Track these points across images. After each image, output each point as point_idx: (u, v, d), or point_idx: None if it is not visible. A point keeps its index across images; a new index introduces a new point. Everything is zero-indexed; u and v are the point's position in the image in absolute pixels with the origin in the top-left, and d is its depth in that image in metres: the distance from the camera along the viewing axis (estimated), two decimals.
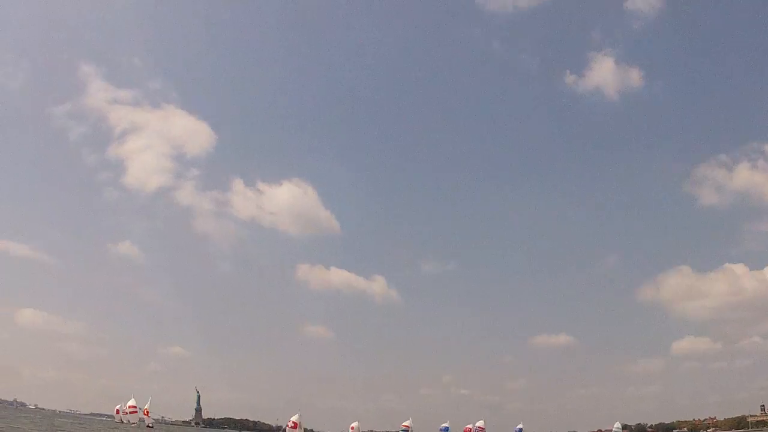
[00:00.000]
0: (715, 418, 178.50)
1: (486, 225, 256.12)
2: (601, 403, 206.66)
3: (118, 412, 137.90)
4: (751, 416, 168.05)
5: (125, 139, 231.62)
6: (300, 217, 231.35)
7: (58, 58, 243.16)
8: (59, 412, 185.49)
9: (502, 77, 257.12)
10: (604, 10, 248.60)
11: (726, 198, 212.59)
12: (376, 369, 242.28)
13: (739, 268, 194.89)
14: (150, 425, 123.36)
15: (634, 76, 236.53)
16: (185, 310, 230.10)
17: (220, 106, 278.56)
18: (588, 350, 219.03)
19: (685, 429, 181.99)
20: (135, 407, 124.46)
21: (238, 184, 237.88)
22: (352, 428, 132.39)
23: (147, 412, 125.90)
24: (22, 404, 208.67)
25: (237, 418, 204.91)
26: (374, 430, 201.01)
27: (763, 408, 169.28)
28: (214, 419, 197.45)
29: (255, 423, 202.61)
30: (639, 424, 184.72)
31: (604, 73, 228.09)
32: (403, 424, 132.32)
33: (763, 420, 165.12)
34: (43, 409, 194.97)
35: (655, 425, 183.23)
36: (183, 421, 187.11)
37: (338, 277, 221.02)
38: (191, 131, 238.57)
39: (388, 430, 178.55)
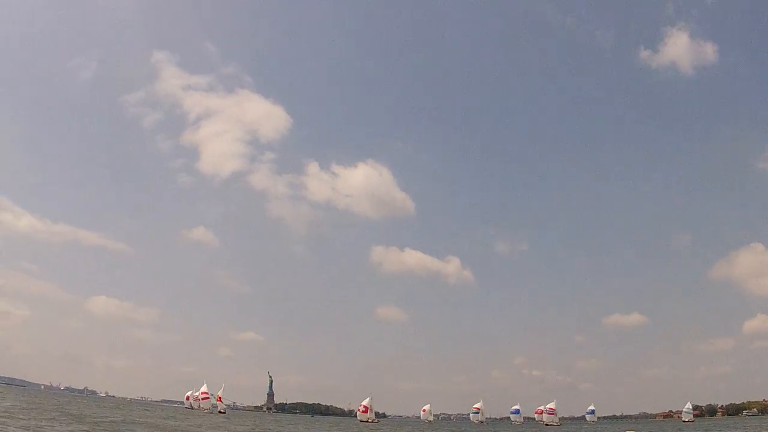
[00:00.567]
0: None
1: (558, 205, 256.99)
2: (672, 384, 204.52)
3: (188, 398, 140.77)
4: None
5: (199, 125, 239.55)
6: (375, 198, 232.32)
7: (130, 46, 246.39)
8: (130, 399, 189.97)
9: (577, 54, 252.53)
10: None
11: None
12: (449, 351, 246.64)
13: None
14: (222, 411, 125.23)
15: (709, 51, 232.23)
16: (259, 295, 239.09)
17: (294, 90, 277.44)
18: (660, 330, 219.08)
19: (755, 409, 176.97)
20: (207, 393, 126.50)
21: (313, 167, 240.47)
22: (424, 410, 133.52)
23: (220, 398, 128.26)
24: (93, 392, 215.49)
25: (309, 402, 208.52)
26: (446, 412, 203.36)
27: None
28: (286, 404, 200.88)
29: (327, 407, 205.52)
30: (710, 404, 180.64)
31: (679, 48, 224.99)
32: (474, 406, 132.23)
33: None
34: (114, 396, 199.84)
35: (726, 406, 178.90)
36: (255, 407, 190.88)
37: (412, 258, 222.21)
38: (266, 115, 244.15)
39: (459, 412, 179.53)
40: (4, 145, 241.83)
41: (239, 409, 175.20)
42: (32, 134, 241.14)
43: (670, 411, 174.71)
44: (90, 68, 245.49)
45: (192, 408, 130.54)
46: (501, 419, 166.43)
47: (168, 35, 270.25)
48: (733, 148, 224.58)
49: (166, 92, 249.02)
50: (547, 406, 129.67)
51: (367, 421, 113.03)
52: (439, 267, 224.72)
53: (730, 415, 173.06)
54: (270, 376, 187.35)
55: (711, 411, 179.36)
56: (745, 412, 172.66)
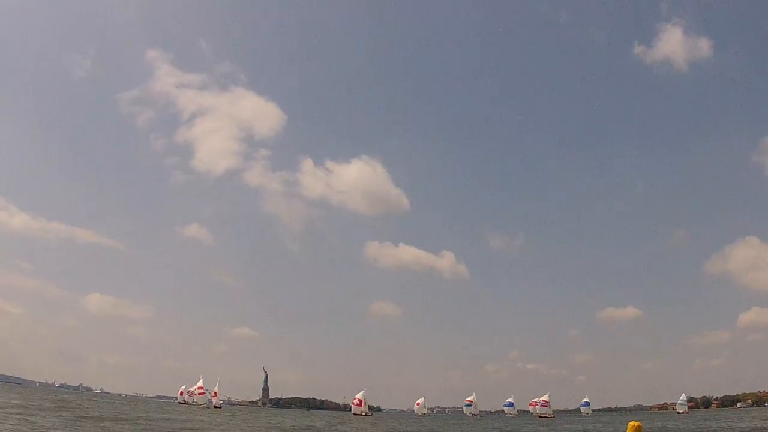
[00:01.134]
0: None
1: (553, 199, 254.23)
2: (666, 377, 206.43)
3: (181, 393, 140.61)
4: None
5: (193, 122, 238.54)
6: (369, 194, 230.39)
7: (124, 45, 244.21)
8: (125, 396, 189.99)
9: (570, 49, 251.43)
10: None
11: None
12: (443, 345, 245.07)
13: None
14: (218, 406, 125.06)
15: (704, 46, 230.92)
16: (253, 291, 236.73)
17: (288, 87, 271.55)
18: (654, 323, 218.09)
19: (750, 401, 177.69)
20: (203, 389, 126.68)
21: (307, 164, 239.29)
22: (418, 404, 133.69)
23: (216, 393, 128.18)
24: (88, 389, 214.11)
25: (304, 397, 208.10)
26: (441, 405, 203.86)
27: None
28: (281, 399, 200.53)
29: (322, 402, 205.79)
30: (704, 396, 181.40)
31: (673, 44, 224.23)
32: (467, 399, 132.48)
33: None
34: (109, 393, 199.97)
35: (721, 397, 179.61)
36: (250, 401, 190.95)
37: (407, 253, 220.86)
38: (260, 113, 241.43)
39: (454, 405, 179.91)
40: None
41: (234, 404, 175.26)
42: (27, 133, 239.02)
43: (665, 403, 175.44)
44: (84, 67, 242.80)
45: (186, 403, 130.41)
46: (496, 412, 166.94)
47: (162, 33, 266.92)
48: (728, 143, 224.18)
49: (160, 90, 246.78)
50: (541, 398, 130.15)
51: (361, 415, 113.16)
52: (434, 262, 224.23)
53: (725, 406, 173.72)
54: (265, 371, 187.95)
55: (706, 403, 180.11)
56: (739, 404, 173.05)
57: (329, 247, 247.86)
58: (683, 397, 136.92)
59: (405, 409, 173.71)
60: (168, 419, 47.83)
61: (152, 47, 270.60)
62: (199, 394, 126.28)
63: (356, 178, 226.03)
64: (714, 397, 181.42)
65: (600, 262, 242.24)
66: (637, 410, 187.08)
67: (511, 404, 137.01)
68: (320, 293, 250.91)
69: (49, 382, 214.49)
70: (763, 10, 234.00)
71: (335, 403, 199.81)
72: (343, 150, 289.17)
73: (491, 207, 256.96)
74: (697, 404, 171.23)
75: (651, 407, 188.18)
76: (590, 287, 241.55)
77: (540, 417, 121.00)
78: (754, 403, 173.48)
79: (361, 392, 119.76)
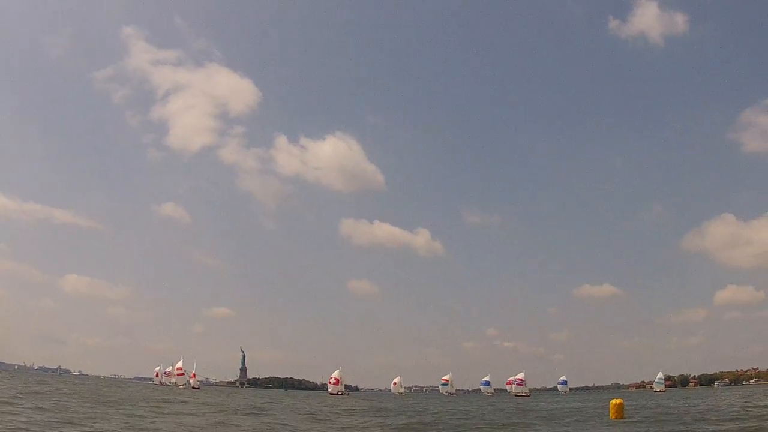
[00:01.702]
0: (757, 368, 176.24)
1: (529, 175, 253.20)
2: (643, 355, 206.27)
3: (157, 375, 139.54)
4: None
5: (168, 99, 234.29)
6: (344, 171, 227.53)
7: (99, 22, 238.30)
8: (103, 377, 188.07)
9: (545, 23, 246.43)
10: None
11: None
12: (420, 323, 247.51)
13: None
14: (196, 387, 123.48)
15: (679, 21, 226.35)
16: (230, 271, 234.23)
17: (263, 63, 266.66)
18: (631, 301, 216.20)
19: (727, 379, 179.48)
20: (182, 369, 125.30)
21: (281, 141, 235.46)
22: (395, 383, 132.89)
23: (194, 375, 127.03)
24: (66, 371, 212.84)
25: (282, 377, 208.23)
26: (418, 384, 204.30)
27: None
28: (259, 378, 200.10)
29: (300, 381, 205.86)
30: (682, 375, 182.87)
31: (648, 18, 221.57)
32: (443, 378, 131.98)
33: None
34: (87, 375, 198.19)
35: (698, 376, 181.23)
36: (228, 382, 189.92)
37: (382, 231, 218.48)
38: (235, 89, 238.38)
39: (431, 384, 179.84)
40: None
41: (212, 385, 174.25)
42: (0, 113, 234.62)
43: (643, 382, 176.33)
44: (62, 46, 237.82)
45: (162, 384, 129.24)
46: (473, 391, 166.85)
47: (137, 10, 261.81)
48: (704, 118, 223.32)
49: (135, 67, 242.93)
50: (517, 377, 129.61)
51: (338, 394, 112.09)
52: (409, 239, 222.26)
53: (702, 385, 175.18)
54: (242, 351, 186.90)
55: (683, 381, 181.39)
56: (717, 383, 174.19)
57: (305, 224, 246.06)
58: (660, 375, 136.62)
59: (383, 389, 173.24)
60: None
61: (127, 24, 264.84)
62: (178, 375, 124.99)
63: (331, 155, 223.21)
64: (692, 376, 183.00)
65: (576, 239, 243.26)
66: (614, 389, 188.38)
67: (487, 383, 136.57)
68: (297, 272, 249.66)
69: (28, 365, 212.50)
70: None
71: (313, 382, 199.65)
72: (318, 126, 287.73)
73: (467, 184, 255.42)
74: (675, 383, 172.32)
75: (629, 386, 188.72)
76: (567, 264, 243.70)
77: (516, 395, 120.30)
78: (731, 382, 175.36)
79: (337, 371, 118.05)
